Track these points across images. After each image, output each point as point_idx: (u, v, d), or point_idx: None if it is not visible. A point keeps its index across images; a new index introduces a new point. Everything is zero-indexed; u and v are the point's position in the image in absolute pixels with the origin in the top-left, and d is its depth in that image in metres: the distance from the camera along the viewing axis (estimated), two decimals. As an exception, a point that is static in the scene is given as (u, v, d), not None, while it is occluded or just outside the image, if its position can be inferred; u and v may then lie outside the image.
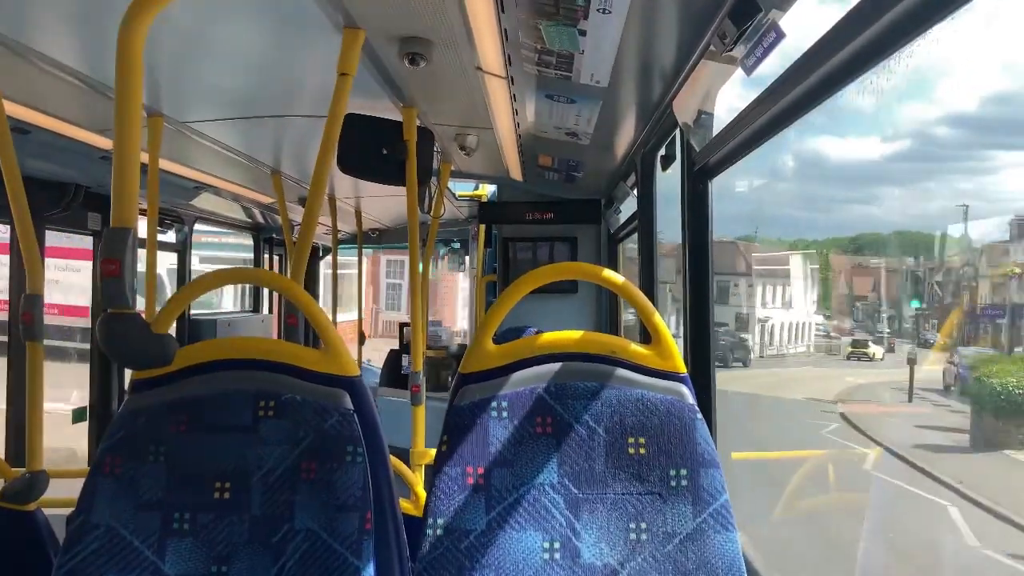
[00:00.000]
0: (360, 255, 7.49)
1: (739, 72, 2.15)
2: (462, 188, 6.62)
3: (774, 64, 1.93)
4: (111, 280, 1.59)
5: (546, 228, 6.02)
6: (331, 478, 1.64)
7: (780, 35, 1.82)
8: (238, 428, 1.68)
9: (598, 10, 2.16)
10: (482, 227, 6.38)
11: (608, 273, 1.80)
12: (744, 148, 2.36)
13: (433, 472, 1.66)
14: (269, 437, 1.67)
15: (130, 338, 1.64)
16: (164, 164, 3.91)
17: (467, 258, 8.46)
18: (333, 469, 1.65)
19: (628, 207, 5.02)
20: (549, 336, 1.75)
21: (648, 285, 3.87)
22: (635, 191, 4.19)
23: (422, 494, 3.01)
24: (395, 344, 8.48)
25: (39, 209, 3.87)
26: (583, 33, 2.36)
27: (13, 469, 2.80)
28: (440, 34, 2.48)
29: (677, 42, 2.40)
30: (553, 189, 5.78)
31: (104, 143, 3.68)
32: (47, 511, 2.77)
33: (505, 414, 1.66)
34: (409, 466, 3.19)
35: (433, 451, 3.07)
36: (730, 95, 2.55)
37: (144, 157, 3.24)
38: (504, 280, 6.20)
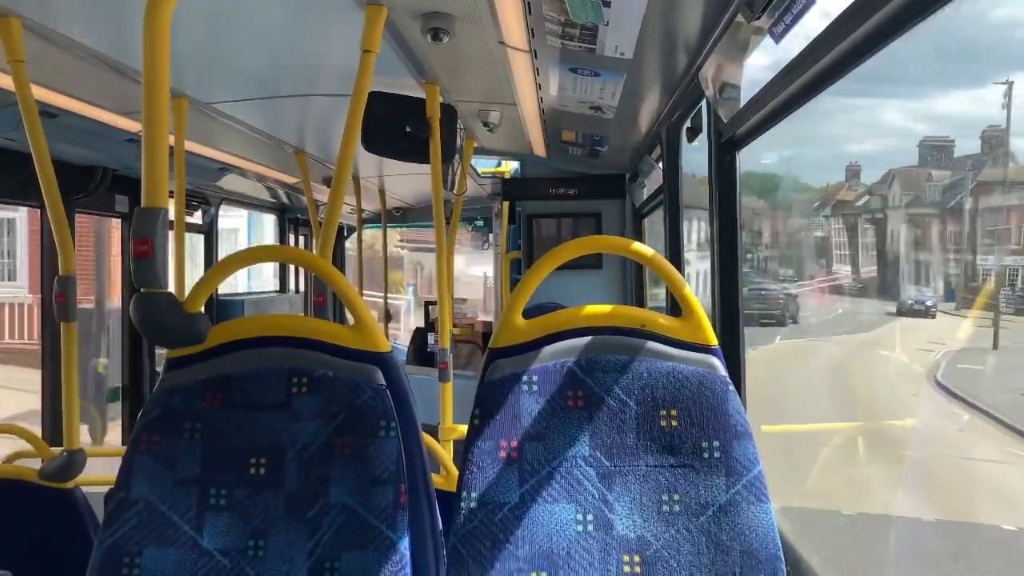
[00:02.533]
0: (384, 234, 7.51)
1: (767, 40, 2.11)
2: (484, 165, 6.61)
3: (803, 31, 1.90)
4: (143, 260, 1.61)
5: (570, 204, 6.00)
6: (365, 453, 1.66)
7: (810, 1, 1.79)
8: (272, 405, 1.70)
9: (623, -20, 2.13)
10: (506, 204, 6.37)
11: (637, 246, 1.79)
12: (773, 118, 2.33)
13: (466, 446, 1.67)
14: (303, 413, 1.69)
15: (163, 317, 1.66)
16: (189, 146, 3.94)
17: (491, 235, 8.46)
18: (367, 444, 1.66)
19: (653, 181, 4.99)
20: (579, 310, 1.74)
21: (675, 258, 3.85)
22: (660, 164, 4.16)
23: (452, 469, 3.03)
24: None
25: (68, 192, 3.91)
26: (607, 4, 2.33)
27: (51, 448, 2.86)
28: (462, 8, 2.46)
29: (703, 11, 2.36)
30: (577, 164, 5.75)
31: (130, 125, 3.70)
32: (86, 489, 2.82)
33: (536, 388, 1.67)
34: (439, 442, 3.22)
35: (461, 427, 3.08)
36: (758, 64, 2.51)
37: (170, 139, 3.26)
38: (528, 257, 6.19)
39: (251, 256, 2.02)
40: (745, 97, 2.56)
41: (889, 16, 1.58)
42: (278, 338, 1.77)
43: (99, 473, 3.08)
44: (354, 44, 2.36)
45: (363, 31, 2.34)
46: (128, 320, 5.24)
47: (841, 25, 1.72)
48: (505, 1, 2.41)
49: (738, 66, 2.55)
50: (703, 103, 2.93)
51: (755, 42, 2.31)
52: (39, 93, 2.95)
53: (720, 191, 2.74)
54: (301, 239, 8.64)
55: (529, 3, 2.44)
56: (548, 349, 1.71)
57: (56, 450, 2.81)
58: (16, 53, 2.44)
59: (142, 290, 1.64)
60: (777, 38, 1.97)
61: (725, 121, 2.67)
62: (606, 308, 1.74)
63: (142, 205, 1.62)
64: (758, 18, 1.99)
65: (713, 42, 2.45)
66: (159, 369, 5.35)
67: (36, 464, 2.85)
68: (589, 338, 1.71)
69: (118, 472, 1.67)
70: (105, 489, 3.40)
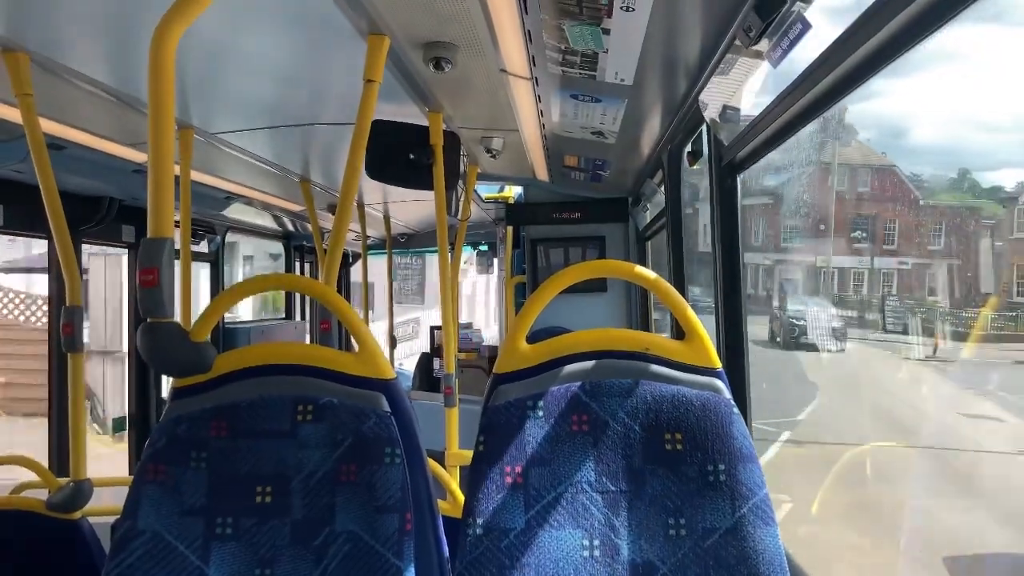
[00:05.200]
0: (390, 260, 7.54)
1: (765, 65, 2.14)
2: (488, 190, 6.64)
3: (801, 55, 1.92)
4: (149, 290, 1.62)
5: (574, 228, 6.02)
6: (370, 480, 1.66)
7: (806, 26, 1.81)
8: (277, 433, 1.70)
9: (621, 8, 2.16)
10: (509, 229, 6.40)
11: (640, 269, 1.80)
12: (773, 141, 2.35)
13: (471, 472, 1.67)
14: (308, 441, 1.69)
15: (169, 347, 1.67)
16: (195, 175, 3.98)
17: (495, 260, 8.48)
18: (372, 471, 1.66)
19: (655, 205, 5.01)
20: (583, 334, 1.75)
21: (678, 281, 3.85)
22: (662, 188, 4.18)
23: (459, 495, 3.03)
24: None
25: (75, 223, 3.95)
26: (607, 32, 2.36)
27: (58, 479, 2.86)
28: (464, 38, 2.49)
29: (702, 37, 2.39)
30: (579, 189, 5.78)
31: (136, 156, 3.74)
32: (92, 519, 2.83)
33: (541, 413, 1.67)
34: (444, 468, 3.21)
35: (467, 452, 3.07)
36: (758, 87, 2.53)
37: (176, 169, 3.29)
38: (533, 281, 6.20)
39: (257, 285, 2.03)
40: (745, 120, 2.59)
41: (883, 40, 1.60)
42: (283, 366, 1.78)
43: (106, 503, 3.08)
44: (357, 73, 2.39)
45: (366, 61, 2.37)
46: (135, 349, 5.26)
47: (836, 49, 1.75)
48: (506, 30, 2.44)
49: (737, 90, 2.57)
50: (703, 127, 2.95)
51: (753, 67, 2.33)
52: (46, 126, 2.99)
53: (722, 213, 2.76)
54: (307, 266, 8.68)
55: (530, 31, 2.47)
56: (552, 373, 1.71)
57: (63, 481, 2.82)
58: (24, 87, 2.47)
59: (148, 320, 1.65)
60: (775, 63, 1.99)
61: (726, 144, 2.69)
62: (609, 332, 1.75)
63: (148, 235, 1.64)
64: (756, 43, 2.02)
65: (712, 67, 2.47)
66: (165, 396, 5.36)
67: (43, 495, 2.85)
68: (593, 362, 1.71)
69: (124, 502, 1.68)
70: (112, 519, 3.40)
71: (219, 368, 1.77)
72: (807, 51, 1.88)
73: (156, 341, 1.66)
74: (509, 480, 1.63)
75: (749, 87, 2.52)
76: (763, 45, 2.01)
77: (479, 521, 1.60)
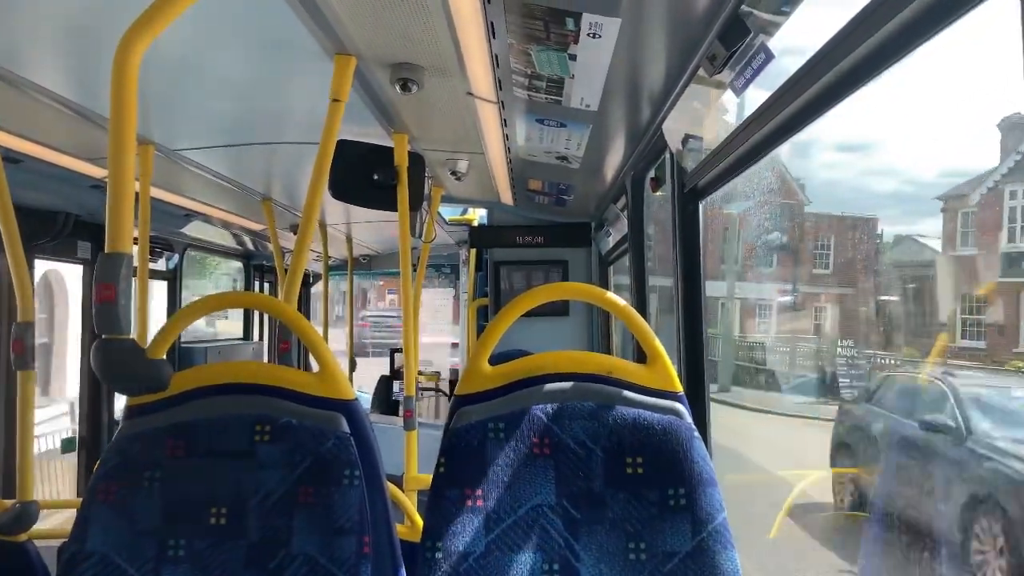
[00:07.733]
0: (351, 281, 7.49)
1: (729, 93, 2.17)
2: (451, 212, 6.65)
3: (763, 84, 1.96)
4: (106, 306, 1.58)
5: (537, 251, 6.05)
6: (329, 502, 1.63)
7: (769, 56, 1.85)
8: (235, 453, 1.67)
9: (588, 35, 2.18)
10: (473, 251, 6.40)
11: (609, 295, 1.81)
12: (734, 169, 2.39)
13: (431, 494, 1.65)
14: (266, 461, 1.66)
15: (126, 364, 1.64)
16: (155, 192, 3.92)
17: (457, 282, 8.48)
18: (331, 493, 1.64)
19: (618, 230, 5.05)
20: (546, 356, 1.75)
21: (640, 306, 3.88)
22: (625, 213, 4.21)
23: (417, 519, 2.99)
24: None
25: (29, 238, 3.87)
26: (573, 58, 2.38)
27: (3, 500, 2.78)
28: (431, 60, 2.50)
29: (667, 65, 2.42)
30: (543, 213, 5.82)
31: (94, 171, 3.68)
32: (38, 542, 2.74)
33: (503, 435, 1.66)
34: (403, 491, 3.17)
35: (426, 477, 3.04)
36: (720, 116, 2.57)
37: (135, 185, 3.24)
38: (495, 304, 6.20)
39: (216, 302, 2.00)
40: (707, 148, 2.62)
41: (840, 73, 1.64)
42: (242, 385, 1.75)
43: (53, 525, 2.99)
44: (323, 93, 2.38)
45: (332, 80, 2.37)
46: (87, 367, 5.15)
47: (798, 80, 1.78)
48: (473, 54, 2.46)
49: (700, 118, 2.61)
50: (667, 154, 2.99)
51: (717, 95, 2.37)
52: (3, 138, 2.93)
53: (683, 239, 2.78)
54: (266, 286, 8.58)
55: (497, 56, 2.49)
56: (515, 396, 1.70)
57: (8, 502, 2.73)
58: None
59: (104, 336, 1.61)
60: (738, 92, 2.03)
61: (688, 172, 2.72)
62: (572, 355, 1.75)
63: (106, 250, 1.61)
64: (719, 72, 2.05)
65: (676, 95, 2.51)
66: (119, 418, 5.24)
67: None
68: (556, 385, 1.71)
69: (73, 523, 1.63)
70: (58, 542, 3.30)
71: (176, 386, 1.74)
72: (770, 80, 1.91)
73: (112, 358, 1.62)
74: (469, 503, 1.61)
75: (712, 116, 2.56)
76: (726, 74, 2.05)
77: (438, 544, 1.58)
